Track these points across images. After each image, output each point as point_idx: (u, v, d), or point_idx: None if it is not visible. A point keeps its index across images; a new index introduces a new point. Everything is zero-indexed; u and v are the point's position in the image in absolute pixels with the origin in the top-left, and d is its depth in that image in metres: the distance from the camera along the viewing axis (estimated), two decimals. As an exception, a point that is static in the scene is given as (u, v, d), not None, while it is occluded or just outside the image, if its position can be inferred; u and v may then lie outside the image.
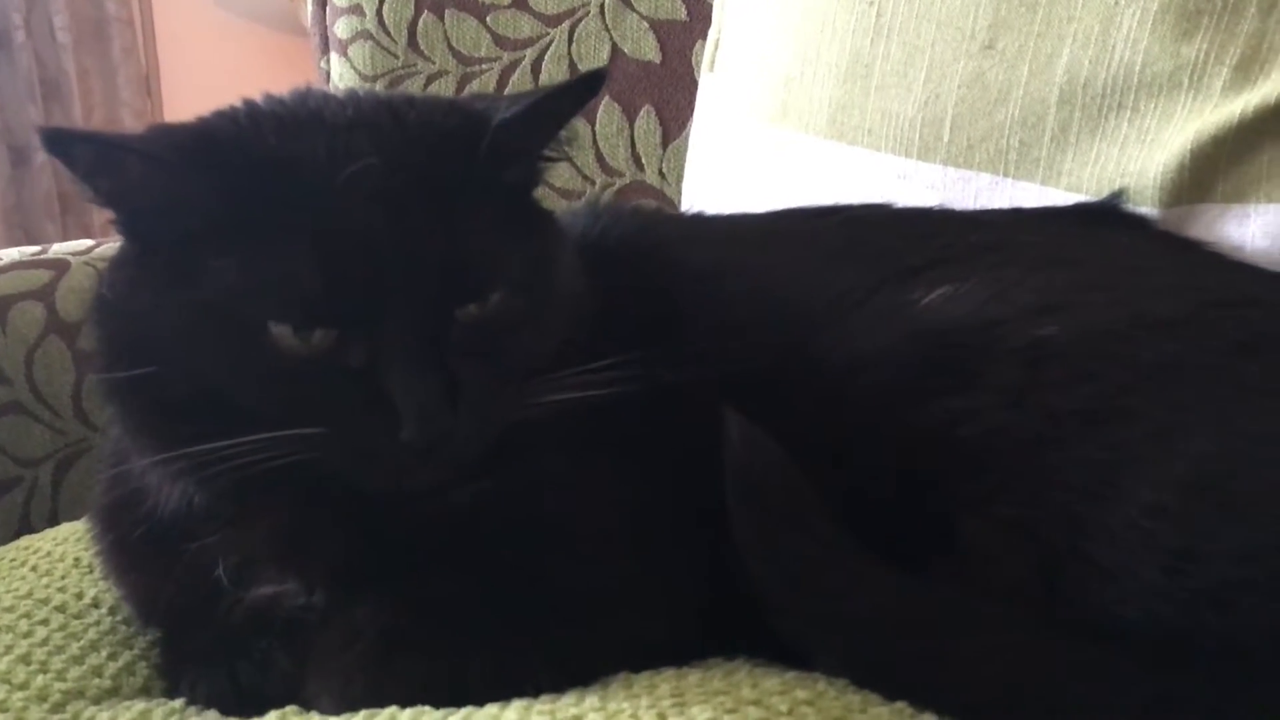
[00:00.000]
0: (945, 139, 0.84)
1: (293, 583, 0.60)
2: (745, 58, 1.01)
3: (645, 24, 1.27)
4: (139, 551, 0.66)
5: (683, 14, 1.26)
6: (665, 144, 1.27)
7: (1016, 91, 0.81)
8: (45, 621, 0.67)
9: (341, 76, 1.37)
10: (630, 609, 0.60)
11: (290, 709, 0.56)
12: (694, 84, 1.25)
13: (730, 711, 0.52)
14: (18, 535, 1.05)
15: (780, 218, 0.78)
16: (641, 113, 1.28)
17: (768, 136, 0.96)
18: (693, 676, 0.56)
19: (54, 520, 1.10)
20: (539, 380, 0.60)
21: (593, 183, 1.26)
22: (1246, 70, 0.73)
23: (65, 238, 2.85)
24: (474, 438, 0.58)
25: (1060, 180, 0.80)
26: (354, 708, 0.55)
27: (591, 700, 0.53)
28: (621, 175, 1.27)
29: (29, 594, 0.70)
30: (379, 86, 1.36)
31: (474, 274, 0.58)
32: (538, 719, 0.51)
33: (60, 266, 1.17)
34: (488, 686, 0.55)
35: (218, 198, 0.56)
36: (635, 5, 1.28)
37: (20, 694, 0.59)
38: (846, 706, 0.54)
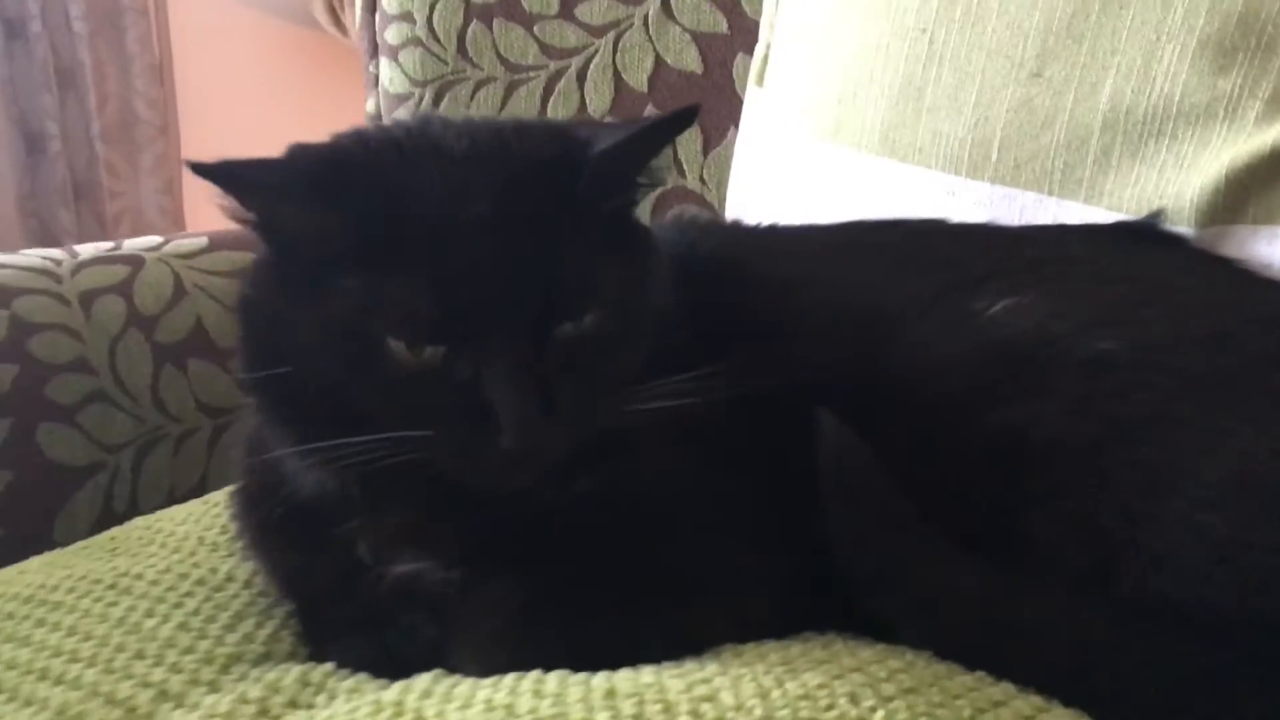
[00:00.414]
0: (993, 158, 0.91)
1: (430, 561, 0.67)
2: (797, 75, 1.08)
3: (687, 35, 1.33)
4: (280, 532, 0.72)
5: (724, 27, 1.33)
6: (706, 151, 1.33)
7: (1062, 117, 0.88)
8: (191, 594, 0.73)
9: (391, 81, 1.43)
10: (736, 587, 0.67)
11: (439, 672, 0.62)
12: (734, 95, 1.31)
13: (836, 677, 0.58)
14: (101, 517, 1.12)
15: (847, 230, 0.85)
16: (683, 120, 1.34)
17: (820, 151, 1.03)
18: (795, 648, 0.63)
19: (134, 503, 1.16)
20: (630, 390, 0.65)
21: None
22: (1278, 103, 0.80)
23: (79, 226, 2.90)
24: (566, 443, 0.64)
25: (1102, 200, 0.87)
26: (497, 672, 0.62)
27: (713, 666, 0.60)
28: (663, 182, 1.34)
29: (168, 569, 0.76)
30: (428, 92, 1.42)
31: (571, 297, 0.63)
32: (671, 680, 0.57)
33: (136, 262, 1.23)
34: (614, 656, 0.62)
35: (343, 224, 0.62)
36: (677, 18, 1.34)
37: (189, 657, 0.66)
38: (935, 674, 0.61)
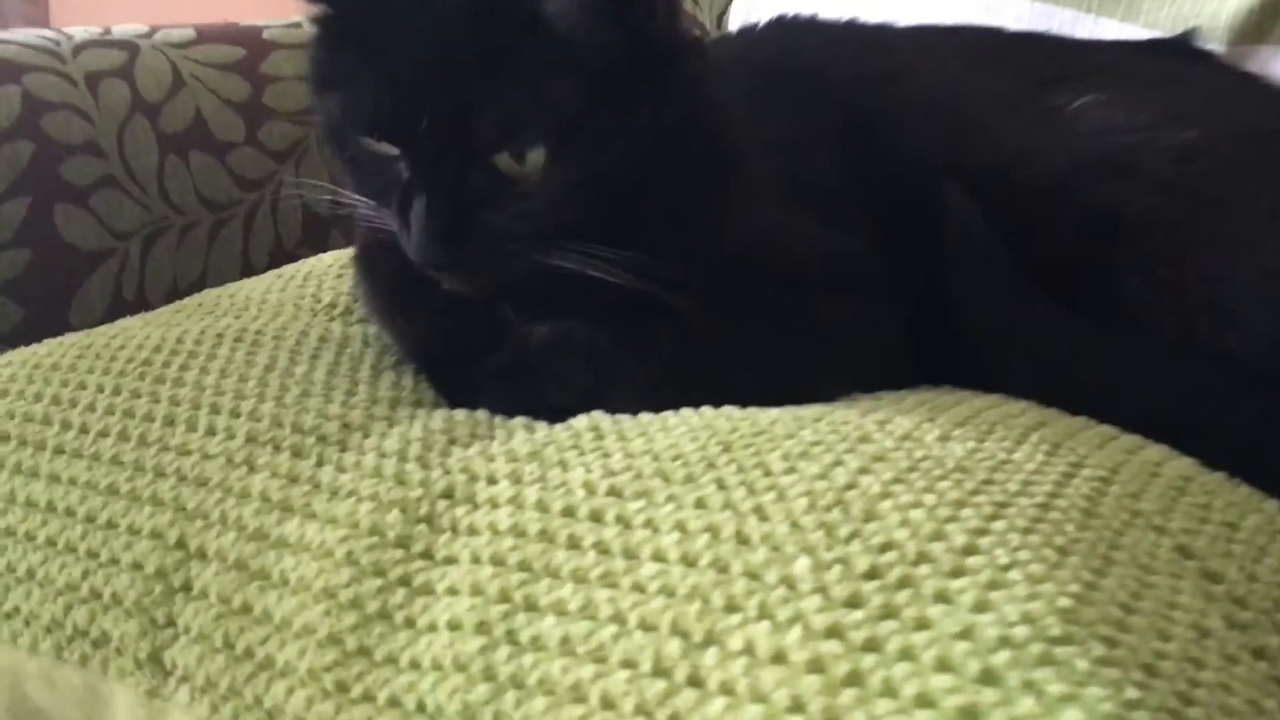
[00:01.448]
0: (1035, -25, 0.97)
1: (576, 318, 0.71)
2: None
3: None
4: (402, 295, 0.75)
5: None
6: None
7: (1108, -64, 0.94)
8: (319, 349, 0.75)
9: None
10: (866, 338, 0.73)
11: (597, 413, 0.67)
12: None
13: (976, 414, 0.66)
14: (113, 304, 1.11)
15: (916, 32, 0.90)
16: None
17: (855, -36, 1.06)
18: (922, 395, 0.70)
19: (141, 293, 1.15)
20: (565, 242, 0.65)
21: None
22: (1318, -72, 0.88)
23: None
24: (477, 274, 0.67)
25: (1139, 18, 0.94)
26: (651, 411, 0.67)
27: (864, 404, 0.66)
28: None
29: (284, 328, 0.77)
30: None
31: (507, 126, 0.62)
32: (843, 410, 0.63)
33: (131, 48, 1.19)
34: (759, 400, 0.68)
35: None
36: None
37: (355, 398, 0.68)
38: (1042, 416, 0.68)
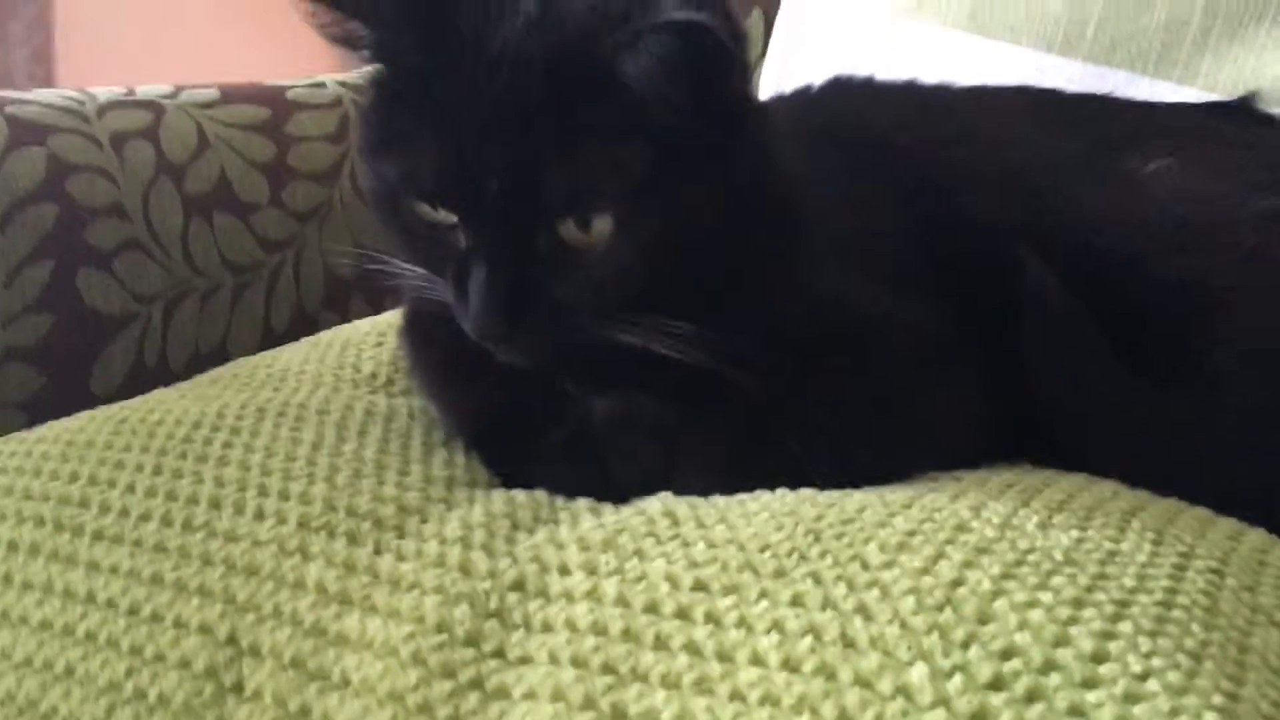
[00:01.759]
0: (1089, 37, 0.95)
1: (642, 392, 0.67)
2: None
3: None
4: (453, 367, 0.71)
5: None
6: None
7: (1165, -1, 0.92)
8: (368, 425, 0.71)
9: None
10: (940, 410, 0.69)
11: (665, 494, 0.63)
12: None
13: (1069, 499, 0.62)
14: (134, 370, 1.07)
15: (977, 93, 0.87)
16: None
17: (899, 29, 1.05)
18: (1003, 476, 0.67)
19: (163, 358, 1.11)
20: (626, 317, 0.63)
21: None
22: (1382, -10, 0.86)
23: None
24: (537, 347, 0.64)
25: (1197, 81, 0.92)
26: (721, 492, 0.63)
27: (949, 487, 0.63)
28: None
29: (328, 400, 0.74)
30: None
31: (570, 194, 0.60)
32: (930, 495, 0.60)
33: (156, 109, 1.16)
34: (833, 481, 0.64)
35: (415, 62, 0.63)
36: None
37: (409, 478, 0.65)
38: (1135, 499, 0.65)
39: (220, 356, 1.17)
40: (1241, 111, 0.89)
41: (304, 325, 1.23)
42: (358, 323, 0.93)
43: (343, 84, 1.32)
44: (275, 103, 1.27)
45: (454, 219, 0.63)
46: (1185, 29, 0.92)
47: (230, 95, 1.25)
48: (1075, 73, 0.96)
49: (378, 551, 0.58)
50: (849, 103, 0.84)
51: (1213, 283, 0.71)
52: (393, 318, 0.85)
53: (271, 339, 1.21)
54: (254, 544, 0.59)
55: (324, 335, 0.89)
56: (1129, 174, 0.77)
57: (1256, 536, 0.63)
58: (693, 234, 0.64)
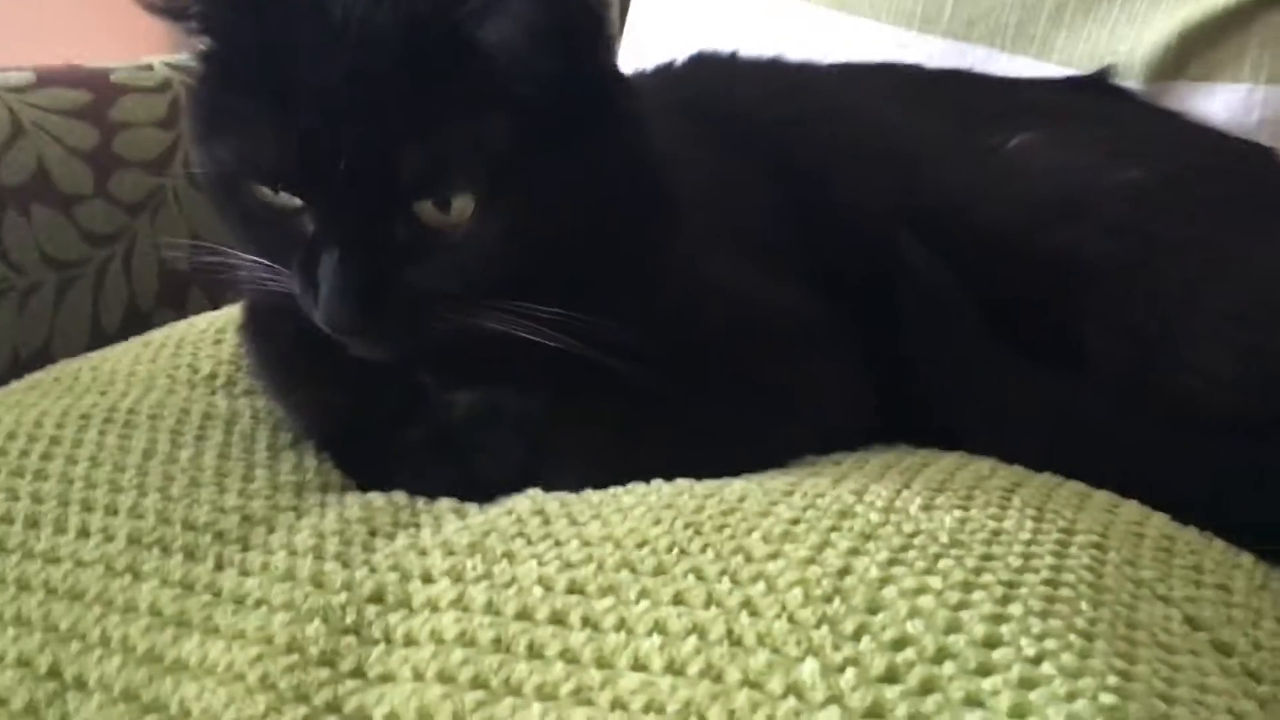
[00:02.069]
0: (947, 14, 0.95)
1: (506, 385, 0.63)
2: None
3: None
4: (300, 364, 0.66)
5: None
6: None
7: (1019, -27, 0.92)
8: (206, 428, 0.66)
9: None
10: (818, 398, 0.67)
11: (534, 491, 0.60)
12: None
13: (950, 477, 0.61)
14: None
15: (843, 70, 0.86)
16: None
17: (760, 2, 1.03)
18: (886, 457, 0.65)
19: None
20: (493, 301, 0.58)
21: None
22: (1229, -35, 0.87)
23: None
24: (396, 338, 0.60)
25: (1053, 55, 0.92)
26: (593, 486, 0.60)
27: (830, 472, 0.61)
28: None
29: (161, 404, 0.68)
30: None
31: (430, 171, 0.56)
32: (810, 480, 0.58)
33: (-38, 90, 1.07)
34: (710, 468, 0.61)
35: (251, 38, 0.58)
36: None
37: (254, 485, 0.60)
38: (1013, 475, 0.64)
39: (44, 360, 1.07)
40: (1098, 86, 0.89)
41: (137, 324, 1.15)
42: (195, 319, 0.86)
43: (172, 66, 1.24)
44: (98, 86, 1.19)
45: (298, 203, 0.58)
46: (1040, 5, 0.92)
47: (47, 78, 1.16)
48: (935, 49, 0.96)
49: (219, 567, 0.53)
50: (714, 80, 0.81)
51: (1080, 256, 0.71)
52: (234, 313, 0.79)
53: (102, 340, 1.12)
54: (77, 565, 0.54)
55: (157, 334, 0.83)
56: (994, 150, 0.76)
57: (1131, 509, 0.62)
58: (560, 214, 0.60)
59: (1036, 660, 0.44)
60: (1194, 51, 0.88)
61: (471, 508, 0.59)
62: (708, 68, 0.83)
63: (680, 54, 0.88)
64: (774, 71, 0.83)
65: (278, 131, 0.57)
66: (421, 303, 0.58)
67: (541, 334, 0.58)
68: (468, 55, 0.55)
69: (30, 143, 1.09)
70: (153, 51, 1.29)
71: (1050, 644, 0.45)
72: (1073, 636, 0.46)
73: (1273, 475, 0.67)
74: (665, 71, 0.84)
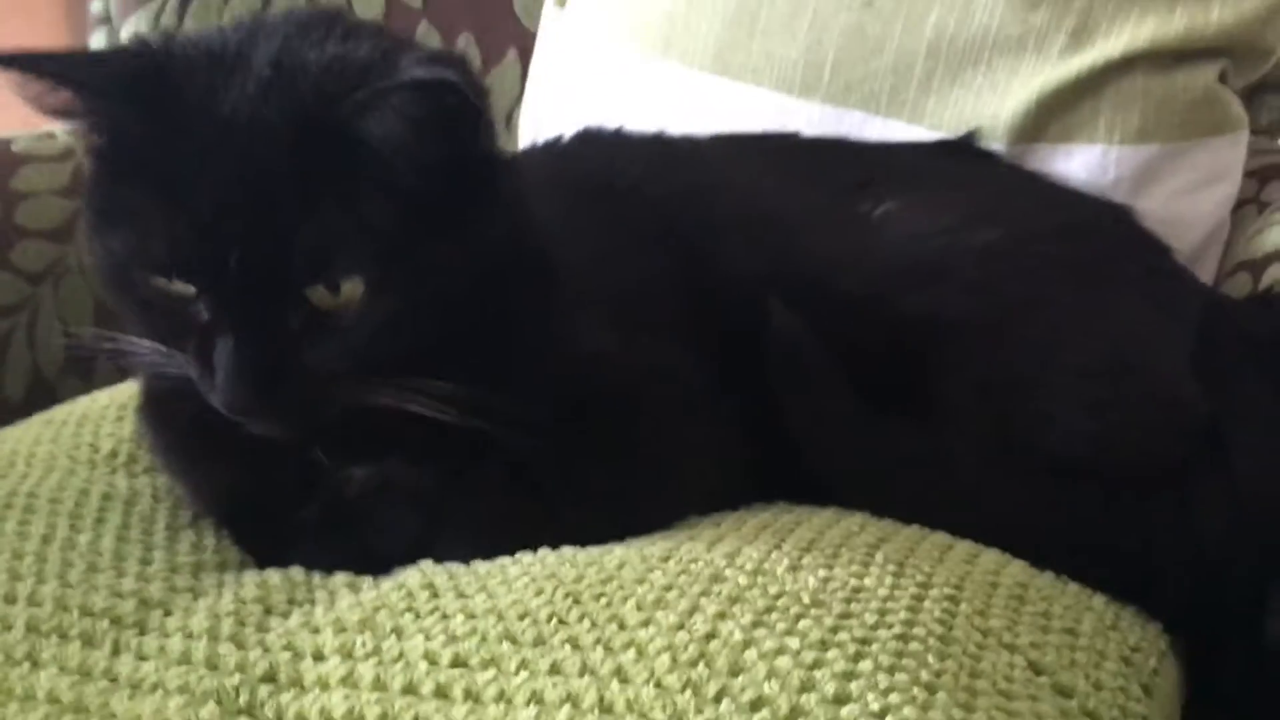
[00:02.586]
0: (825, 80, 1.00)
1: (395, 458, 0.66)
2: (611, -2, 1.11)
3: (460, -49, 1.32)
4: (197, 444, 0.69)
5: (500, -53, 1.33)
6: (486, 71, 1.34)
7: (891, 43, 0.97)
8: (105, 510, 0.67)
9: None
10: (696, 462, 0.71)
11: (426, 563, 0.62)
12: (513, 15, 1.33)
13: (818, 537, 0.65)
14: None
15: (723, 143, 0.90)
16: (460, 39, 1.34)
17: (648, 68, 1.07)
18: (761, 516, 0.69)
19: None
20: (385, 379, 0.62)
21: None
22: (1078, 38, 0.93)
23: None
24: (292, 417, 0.62)
25: (924, 120, 0.97)
26: (486, 555, 0.63)
27: (705, 538, 0.64)
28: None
29: (61, 487, 0.69)
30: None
31: (318, 256, 0.58)
32: (689, 544, 0.61)
33: None
34: (596, 534, 0.65)
35: (141, 134, 0.60)
36: (448, -66, 1.32)
37: (151, 567, 0.61)
38: (881, 530, 0.68)
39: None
40: (965, 149, 0.94)
41: (42, 393, 1.15)
42: (97, 394, 0.87)
43: (74, 134, 1.25)
44: (-2, 157, 1.19)
45: (192, 290, 0.61)
46: (910, 73, 0.97)
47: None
48: (815, 114, 1.00)
49: (116, 652, 0.55)
50: (599, 155, 0.85)
51: (940, 316, 0.75)
52: (134, 389, 0.81)
53: (6, 410, 1.12)
54: (-25, 655, 0.55)
55: (59, 411, 0.84)
56: (862, 217, 0.81)
57: (990, 558, 0.67)
58: (447, 292, 0.63)
59: (881, 714, 0.48)
60: (1052, 116, 0.94)
61: (366, 581, 0.62)
62: (593, 143, 0.87)
63: (571, 126, 0.92)
64: (658, 146, 0.87)
65: (171, 223, 0.59)
66: (317, 382, 0.61)
67: (433, 408, 0.61)
68: (352, 146, 0.59)
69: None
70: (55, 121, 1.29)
71: (894, 698, 0.49)
72: (916, 690, 0.49)
73: (1123, 520, 0.72)
74: (552, 147, 0.88)
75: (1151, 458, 0.73)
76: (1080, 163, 0.94)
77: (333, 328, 0.60)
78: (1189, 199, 0.95)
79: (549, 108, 1.19)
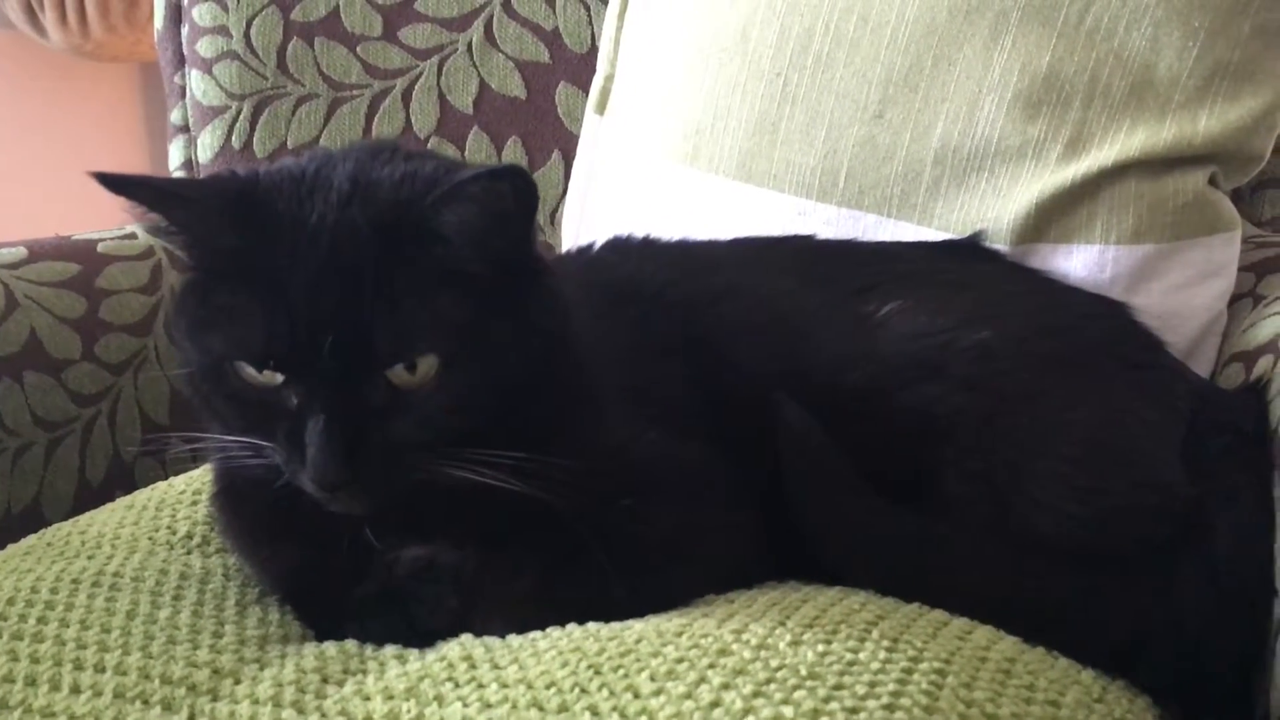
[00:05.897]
0: (840, 185, 1.08)
1: (442, 541, 0.73)
2: (648, 107, 1.20)
3: (510, 63, 1.43)
4: (265, 528, 0.77)
5: (546, 57, 1.43)
6: (531, 172, 1.43)
7: (900, 152, 1.05)
8: (182, 588, 0.75)
9: (204, 93, 1.43)
10: (715, 546, 0.78)
11: (466, 637, 0.70)
12: (557, 119, 1.42)
13: (821, 614, 0.71)
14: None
15: (740, 249, 0.98)
16: (509, 143, 1.44)
17: (677, 175, 1.16)
18: (763, 597, 0.75)
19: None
20: (457, 450, 0.68)
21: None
22: (1073, 148, 1.00)
23: None
24: (375, 489, 0.69)
25: (932, 222, 1.05)
26: (518, 630, 0.70)
27: (720, 611, 0.71)
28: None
29: (143, 567, 0.77)
30: (246, 105, 1.43)
31: (394, 341, 0.67)
32: (701, 621, 0.68)
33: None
34: (622, 612, 0.72)
35: (235, 249, 0.70)
36: (500, 46, 1.43)
37: (223, 640, 0.69)
38: (881, 608, 0.74)
39: (34, 513, 1.18)
40: (971, 248, 1.02)
41: (120, 475, 1.24)
42: (174, 480, 0.96)
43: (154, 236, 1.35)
44: (85, 257, 1.30)
45: (280, 378, 0.69)
46: (919, 179, 1.05)
47: (38, 252, 1.27)
48: (832, 215, 1.08)
49: (192, 717, 0.63)
50: (626, 263, 0.93)
51: (936, 411, 0.82)
52: (206, 475, 0.89)
53: (88, 491, 1.22)
54: (70, 719, 0.63)
55: (139, 496, 0.93)
56: (868, 317, 0.88)
57: (982, 634, 0.72)
58: (507, 370, 0.71)
59: (864, 781, 0.54)
60: (1051, 219, 1.01)
61: (412, 653, 0.69)
62: (620, 251, 0.95)
63: (610, 225, 1.01)
64: (681, 253, 0.95)
65: (268, 317, 0.67)
66: (396, 453, 0.69)
67: (499, 479, 0.68)
68: (429, 240, 0.68)
69: (23, 315, 1.20)
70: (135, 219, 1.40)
71: (876, 765, 0.55)
72: (897, 757, 0.55)
73: (1110, 596, 0.78)
74: (584, 254, 0.96)
75: (1138, 539, 0.79)
76: (1079, 261, 1.01)
77: (410, 404, 0.68)
78: (1184, 294, 1.01)
79: (591, 208, 1.28)
